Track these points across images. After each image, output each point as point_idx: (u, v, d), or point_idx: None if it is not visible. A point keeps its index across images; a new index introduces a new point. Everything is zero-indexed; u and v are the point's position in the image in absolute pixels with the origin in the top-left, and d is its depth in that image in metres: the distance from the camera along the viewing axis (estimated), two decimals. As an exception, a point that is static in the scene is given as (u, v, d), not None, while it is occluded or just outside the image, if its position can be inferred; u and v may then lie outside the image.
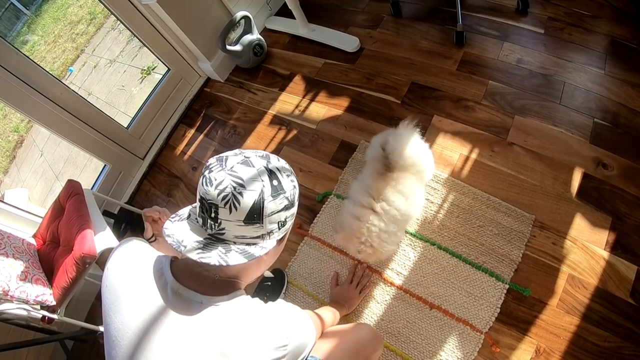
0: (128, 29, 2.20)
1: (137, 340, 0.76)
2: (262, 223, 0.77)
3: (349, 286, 1.60)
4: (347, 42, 2.34)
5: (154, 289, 0.80)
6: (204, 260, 0.74)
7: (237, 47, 2.36)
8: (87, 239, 1.49)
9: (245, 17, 2.34)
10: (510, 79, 1.95)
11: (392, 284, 1.63)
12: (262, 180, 0.75)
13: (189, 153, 2.38)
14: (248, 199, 0.74)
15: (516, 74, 1.96)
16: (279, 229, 0.81)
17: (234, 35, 2.39)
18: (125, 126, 2.35)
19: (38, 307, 1.48)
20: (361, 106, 2.13)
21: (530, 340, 1.41)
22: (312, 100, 2.26)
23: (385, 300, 1.61)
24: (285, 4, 2.44)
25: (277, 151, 2.14)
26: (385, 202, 1.36)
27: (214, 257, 0.74)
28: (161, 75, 2.55)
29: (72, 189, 1.71)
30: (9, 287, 1.39)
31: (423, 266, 1.63)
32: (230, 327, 0.76)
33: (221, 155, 0.80)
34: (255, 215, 0.75)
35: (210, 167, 0.77)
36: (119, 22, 4.46)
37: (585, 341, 1.37)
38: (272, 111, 2.31)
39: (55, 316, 1.51)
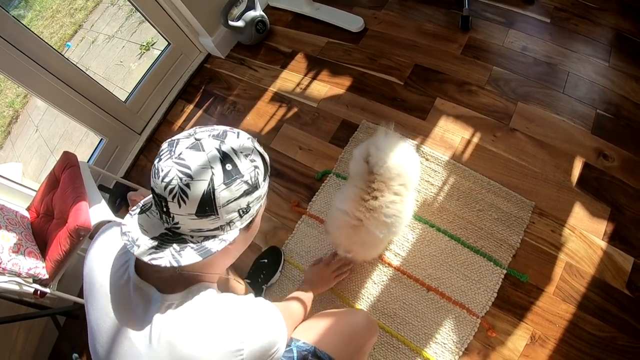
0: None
1: (112, 339, 0.75)
2: (217, 214, 0.70)
3: (326, 268, 1.54)
4: (352, 21, 2.31)
5: (119, 285, 0.78)
6: (155, 262, 0.68)
7: (240, 23, 2.31)
8: (81, 211, 1.47)
9: (248, -8, 2.29)
10: (515, 66, 1.95)
11: (389, 264, 1.63)
12: (212, 168, 0.68)
13: (187, 129, 2.32)
14: (196, 191, 0.67)
15: (520, 61, 1.95)
16: (241, 216, 0.74)
17: (236, 11, 2.34)
18: (123, 100, 2.29)
19: (30, 280, 1.47)
20: (363, 86, 2.11)
21: (526, 326, 1.42)
22: (313, 78, 2.23)
23: (382, 281, 1.61)
24: (291, -19, 2.39)
25: (276, 129, 2.12)
26: (366, 231, 1.33)
27: (165, 257, 0.69)
28: (160, 51, 2.50)
29: (68, 161, 1.68)
30: (1, 259, 1.38)
31: (421, 248, 1.64)
32: (181, 330, 0.71)
33: (174, 138, 0.73)
34: (207, 207, 0.69)
35: (161, 154, 0.71)
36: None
37: (581, 330, 1.39)
38: (273, 88, 2.28)
39: (47, 290, 1.49)
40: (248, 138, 0.77)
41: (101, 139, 2.28)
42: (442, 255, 1.60)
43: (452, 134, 1.84)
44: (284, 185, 1.93)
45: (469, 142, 1.81)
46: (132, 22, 4.16)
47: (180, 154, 0.69)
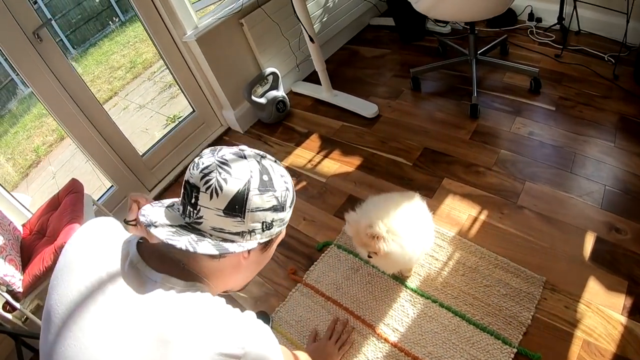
0: (165, 63, 2.41)
1: (74, 306, 0.67)
2: (244, 217, 0.71)
3: (327, 342, 1.48)
4: (366, 108, 2.47)
5: (111, 257, 0.73)
6: (170, 242, 0.67)
7: (262, 100, 2.51)
8: (73, 231, 1.45)
9: (273, 74, 2.52)
10: (522, 149, 1.99)
11: (386, 340, 1.49)
12: (251, 172, 0.71)
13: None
14: (232, 186, 0.69)
15: (527, 145, 2.00)
16: (263, 230, 0.75)
17: (260, 90, 2.56)
18: (141, 154, 2.43)
19: (4, 288, 1.42)
20: (373, 165, 2.17)
21: (543, 412, 1.23)
22: (325, 156, 2.32)
23: (377, 358, 1.46)
24: (314, 71, 2.62)
25: (284, 199, 2.14)
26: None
27: (182, 241, 0.68)
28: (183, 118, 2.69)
29: (73, 187, 1.76)
30: None
31: (422, 324, 1.50)
32: (178, 314, 0.67)
33: (217, 146, 0.78)
34: (237, 206, 0.70)
35: (203, 154, 0.75)
36: (155, 73, 4.90)
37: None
38: (285, 163, 2.37)
39: (18, 305, 1.44)
40: (283, 168, 0.82)
41: (112, 185, 2.36)
42: (444, 332, 1.46)
43: (458, 211, 1.82)
44: (283, 252, 1.89)
45: (475, 219, 1.77)
46: (163, 96, 4.55)
47: (224, 155, 0.73)
